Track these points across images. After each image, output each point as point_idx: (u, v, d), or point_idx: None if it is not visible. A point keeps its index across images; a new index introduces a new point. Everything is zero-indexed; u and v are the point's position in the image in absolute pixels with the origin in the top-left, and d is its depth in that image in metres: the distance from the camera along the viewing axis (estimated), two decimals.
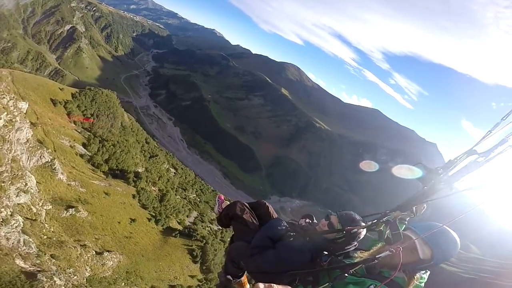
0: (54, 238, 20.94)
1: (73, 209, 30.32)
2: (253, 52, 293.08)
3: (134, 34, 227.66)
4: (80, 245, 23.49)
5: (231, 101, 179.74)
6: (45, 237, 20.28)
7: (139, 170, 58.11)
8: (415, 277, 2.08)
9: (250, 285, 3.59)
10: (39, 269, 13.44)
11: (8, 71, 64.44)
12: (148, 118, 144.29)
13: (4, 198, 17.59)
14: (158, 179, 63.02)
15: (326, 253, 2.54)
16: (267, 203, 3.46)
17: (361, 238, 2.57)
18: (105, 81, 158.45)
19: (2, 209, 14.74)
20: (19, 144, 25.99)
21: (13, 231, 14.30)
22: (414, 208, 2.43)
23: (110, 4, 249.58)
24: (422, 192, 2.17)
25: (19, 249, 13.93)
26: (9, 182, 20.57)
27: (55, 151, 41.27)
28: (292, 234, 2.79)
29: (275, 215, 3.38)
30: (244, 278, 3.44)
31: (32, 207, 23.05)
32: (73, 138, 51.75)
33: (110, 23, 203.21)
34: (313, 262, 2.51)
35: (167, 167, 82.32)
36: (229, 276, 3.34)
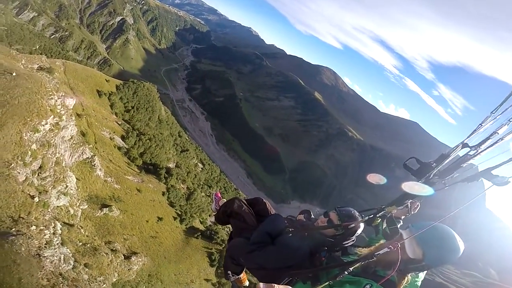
0: (88, 245, 22.87)
1: (107, 208, 32.80)
2: (288, 53, 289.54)
3: (177, 28, 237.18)
4: (111, 249, 25.36)
5: (261, 101, 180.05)
6: (80, 243, 22.28)
7: (170, 166, 61.02)
8: (407, 277, 2.03)
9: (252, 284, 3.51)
10: None
11: (61, 61, 70.86)
12: (182, 111, 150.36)
13: (48, 214, 19.51)
14: (187, 175, 65.73)
15: (325, 248, 2.54)
16: (264, 200, 3.48)
17: (359, 233, 2.60)
18: (147, 73, 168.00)
19: (46, 231, 16.35)
20: (63, 142, 28.53)
21: (56, 251, 15.84)
22: (408, 204, 2.44)
23: None
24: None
25: (60, 268, 15.41)
26: (51, 186, 22.76)
27: (96, 143, 45.02)
28: (291, 230, 2.79)
29: (273, 211, 3.40)
30: (243, 275, 3.46)
31: (70, 208, 25.41)
32: (113, 130, 55.67)
33: (156, 16, 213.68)
34: (312, 258, 2.51)
35: (196, 162, 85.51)
36: (229, 273, 3.39)
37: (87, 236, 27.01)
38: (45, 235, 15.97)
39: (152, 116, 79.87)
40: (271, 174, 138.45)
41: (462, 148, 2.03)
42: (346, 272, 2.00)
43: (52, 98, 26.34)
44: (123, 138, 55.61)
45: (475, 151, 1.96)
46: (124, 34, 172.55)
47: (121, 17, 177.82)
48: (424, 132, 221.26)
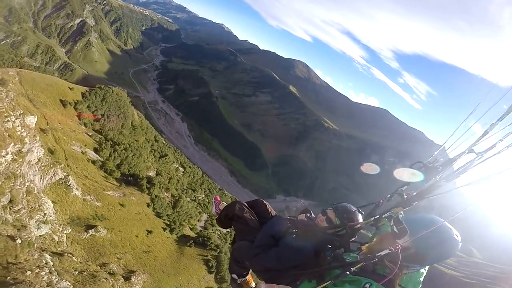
0: (85, 272, 21.35)
1: (93, 229, 30.95)
2: (261, 48, 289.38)
3: (143, 28, 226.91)
4: (109, 273, 23.87)
5: (238, 98, 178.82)
6: (76, 272, 20.70)
7: (151, 174, 58.61)
8: (402, 273, 2.01)
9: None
10: None
11: (15, 70, 63.67)
12: (156, 113, 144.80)
13: (36, 254, 17.74)
14: (169, 181, 63.59)
15: (330, 247, 2.53)
16: (265, 201, 3.52)
17: (360, 230, 2.63)
18: (114, 75, 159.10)
19: (43, 273, 14.92)
20: (31, 167, 25.92)
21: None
22: (402, 192, 2.50)
23: None
24: (423, 189, 2.22)
25: None
26: (28, 217, 20.75)
27: (66, 159, 41.73)
28: (294, 231, 2.83)
29: (273, 213, 3.45)
30: (249, 277, 3.50)
31: (53, 235, 23.43)
32: (84, 143, 51.97)
33: (120, 16, 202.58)
34: (317, 257, 2.51)
35: (176, 166, 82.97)
36: (234, 276, 3.42)
37: (80, 263, 25.10)
38: (43, 277, 14.53)
39: (125, 122, 75.81)
40: (253, 170, 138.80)
41: (467, 154, 2.08)
42: (347, 272, 2.00)
43: (8, 121, 23.21)
44: (96, 150, 52.13)
45: (480, 157, 2.01)
46: (85, 36, 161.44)
47: (80, 19, 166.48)
48: (394, 118, 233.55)
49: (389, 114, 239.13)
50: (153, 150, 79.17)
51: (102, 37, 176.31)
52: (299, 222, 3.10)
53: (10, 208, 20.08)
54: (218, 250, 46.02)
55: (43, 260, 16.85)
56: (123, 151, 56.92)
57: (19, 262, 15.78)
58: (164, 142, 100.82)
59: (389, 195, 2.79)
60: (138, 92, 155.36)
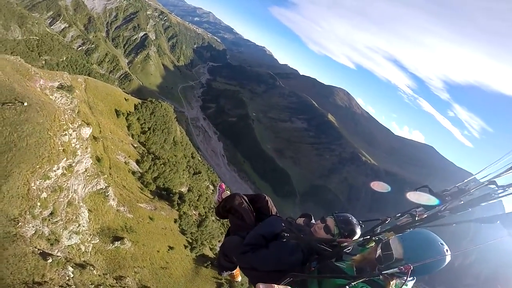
0: (101, 287, 21.91)
1: (119, 242, 32.20)
2: (301, 73, 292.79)
3: (195, 45, 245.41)
4: None
5: (274, 122, 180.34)
6: (93, 286, 21.31)
7: (183, 190, 60.73)
8: (392, 282, 2.03)
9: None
10: None
11: (83, 78, 70.99)
12: (196, 129, 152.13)
13: (62, 269, 18.76)
14: (198, 199, 65.19)
15: (316, 257, 2.51)
16: (267, 197, 3.45)
17: (350, 248, 2.56)
18: (164, 89, 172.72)
19: None
20: (77, 176, 27.91)
21: None
22: (415, 213, 2.40)
23: (178, 15, 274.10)
24: (423, 217, 2.14)
25: None
26: (63, 228, 22.01)
27: (110, 168, 45.14)
28: (286, 235, 2.71)
29: (274, 210, 3.39)
30: (236, 271, 3.47)
31: (81, 245, 24.58)
32: (128, 154, 55.95)
33: (177, 33, 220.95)
34: (302, 265, 2.50)
35: (208, 184, 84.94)
36: (221, 268, 3.41)
37: (99, 275, 26.37)
38: None
39: (168, 138, 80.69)
40: (281, 196, 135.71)
41: (487, 185, 1.88)
42: (347, 287, 1.98)
43: (65, 134, 25.53)
44: (137, 162, 55.96)
45: (503, 191, 1.77)
46: (145, 49, 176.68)
47: (144, 32, 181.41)
48: (439, 156, 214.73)
49: (434, 151, 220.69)
50: (188, 166, 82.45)
51: (160, 51, 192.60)
52: (295, 226, 3.02)
53: (49, 220, 21.47)
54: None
55: (66, 277, 17.53)
56: (162, 165, 60.17)
57: (45, 282, 16.63)
58: (200, 159, 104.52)
59: (399, 214, 2.66)
60: (183, 107, 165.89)
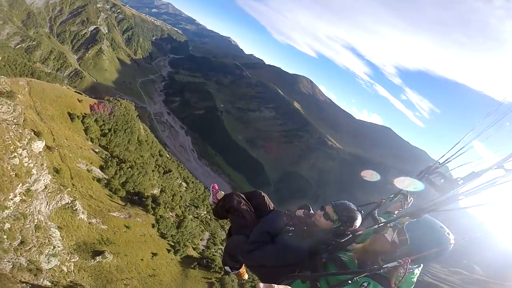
0: None
1: (100, 256, 30.91)
2: (267, 63, 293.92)
3: (154, 38, 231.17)
4: None
5: (243, 112, 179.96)
6: None
7: (155, 192, 58.47)
8: (398, 273, 2.02)
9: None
10: None
11: (26, 80, 63.40)
12: (161, 125, 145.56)
13: None
14: (172, 198, 63.37)
15: (326, 248, 2.50)
16: (263, 193, 3.46)
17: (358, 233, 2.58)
18: (122, 85, 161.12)
19: None
20: (38, 194, 25.70)
21: None
22: (402, 198, 2.61)
23: (133, 7, 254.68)
24: (438, 201, 2.08)
25: None
26: (38, 253, 20.42)
27: (72, 178, 41.74)
28: (290, 228, 2.76)
29: (271, 205, 3.40)
30: (242, 269, 3.49)
31: (62, 266, 23.18)
32: (90, 160, 51.90)
33: (132, 26, 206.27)
34: (312, 257, 2.49)
35: (180, 182, 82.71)
36: (227, 268, 3.39)
37: None
38: None
39: (132, 138, 76.01)
40: (256, 186, 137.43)
41: (496, 169, 1.96)
42: (350, 282, 1.97)
43: (15, 156, 22.79)
44: (101, 168, 52.11)
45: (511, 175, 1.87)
46: (97, 44, 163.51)
47: (94, 26, 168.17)
48: (396, 136, 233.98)
49: (392, 132, 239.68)
50: (157, 166, 79.12)
51: (114, 45, 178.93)
52: (297, 218, 3.03)
53: (21, 249, 19.75)
54: (223, 272, 46.23)
55: None
56: (129, 168, 56.89)
57: None
58: (168, 156, 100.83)
59: (392, 195, 2.79)
60: (145, 103, 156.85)
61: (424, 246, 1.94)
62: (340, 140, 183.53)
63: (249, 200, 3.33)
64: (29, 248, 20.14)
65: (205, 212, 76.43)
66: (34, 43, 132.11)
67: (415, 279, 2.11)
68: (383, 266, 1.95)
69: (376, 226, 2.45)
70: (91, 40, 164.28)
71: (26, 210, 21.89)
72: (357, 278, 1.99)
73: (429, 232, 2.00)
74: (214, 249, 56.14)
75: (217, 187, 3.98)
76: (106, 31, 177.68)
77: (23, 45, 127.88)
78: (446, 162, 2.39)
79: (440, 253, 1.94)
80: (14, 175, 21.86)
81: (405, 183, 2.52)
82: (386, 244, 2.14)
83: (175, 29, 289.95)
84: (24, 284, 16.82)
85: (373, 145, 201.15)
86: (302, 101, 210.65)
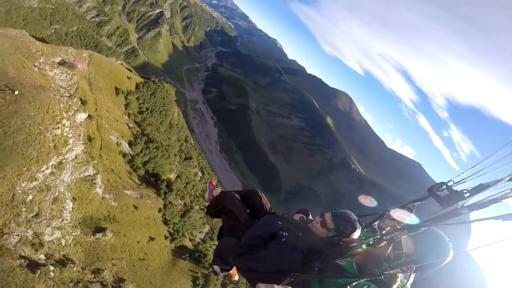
0: (80, 284, 23.48)
1: (100, 233, 32.05)
2: (308, 72, 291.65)
3: (208, 28, 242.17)
4: (101, 283, 26.95)
5: (272, 116, 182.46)
6: (72, 284, 22.54)
7: (171, 177, 62.64)
8: (398, 276, 2.08)
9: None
10: None
11: (88, 53, 69.42)
12: (193, 112, 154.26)
13: (49, 279, 19.14)
14: (185, 186, 67.40)
15: (319, 256, 2.47)
16: (260, 192, 3.41)
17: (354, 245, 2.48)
18: (169, 68, 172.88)
19: None
20: (66, 164, 26.86)
21: None
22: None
23: None
24: (440, 215, 2.00)
25: None
26: (46, 226, 22.08)
27: (101, 149, 44.51)
28: (284, 234, 2.65)
29: (268, 205, 3.34)
30: (233, 271, 3.45)
31: (62, 239, 24.96)
32: (122, 134, 55.33)
33: (192, 14, 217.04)
34: (304, 266, 2.44)
35: (197, 171, 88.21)
36: (216, 268, 3.38)
37: (78, 271, 26.17)
38: None
39: (164, 120, 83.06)
40: (267, 191, 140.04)
41: (507, 181, 1.81)
42: (348, 287, 2.02)
43: (58, 127, 23.50)
44: (130, 144, 56.63)
45: None
46: (158, 26, 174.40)
47: (160, 10, 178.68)
48: (425, 174, 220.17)
49: (421, 169, 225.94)
50: (180, 151, 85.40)
51: (172, 30, 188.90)
52: (293, 223, 2.97)
53: (33, 221, 20.81)
54: (210, 269, 47.53)
55: (49, 277, 18.73)
56: (154, 149, 62.52)
57: None
58: (193, 143, 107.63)
59: (397, 208, 2.67)
60: (185, 88, 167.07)
61: (430, 256, 1.99)
62: (364, 164, 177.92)
63: (245, 199, 3.25)
64: (40, 221, 21.35)
65: None
66: (106, 18, 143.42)
67: (409, 286, 2.09)
68: (385, 273, 1.98)
69: (371, 238, 2.42)
70: (154, 22, 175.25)
71: (52, 183, 23.21)
72: (357, 282, 2.03)
73: (438, 244, 2.01)
74: (210, 244, 56.87)
75: (214, 183, 3.87)
76: (169, 16, 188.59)
77: (97, 19, 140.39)
78: (461, 181, 2.22)
79: (442, 262, 1.99)
80: (52, 147, 22.88)
81: (401, 215, 2.46)
82: (386, 251, 2.14)
83: (229, 23, 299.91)
84: (23, 260, 18.57)
85: (398, 177, 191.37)
86: (335, 117, 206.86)
